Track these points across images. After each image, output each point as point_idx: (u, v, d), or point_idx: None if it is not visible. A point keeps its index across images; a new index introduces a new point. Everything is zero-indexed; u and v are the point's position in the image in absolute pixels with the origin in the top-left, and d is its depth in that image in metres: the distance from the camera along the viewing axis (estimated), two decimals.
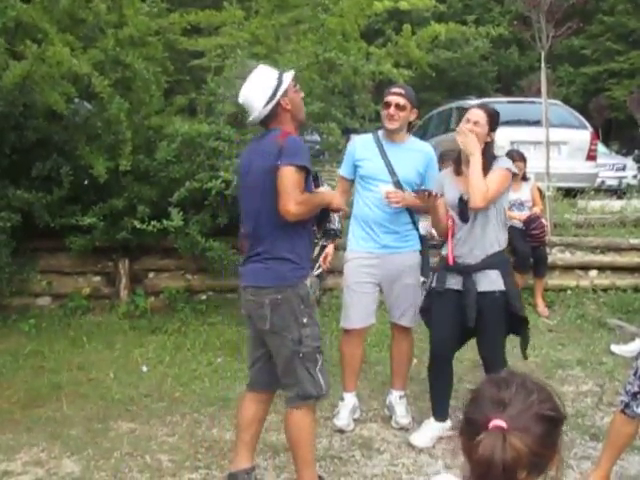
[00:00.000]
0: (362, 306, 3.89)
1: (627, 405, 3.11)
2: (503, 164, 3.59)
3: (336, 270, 4.09)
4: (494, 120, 3.56)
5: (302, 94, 3.08)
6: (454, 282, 3.59)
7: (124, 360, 5.03)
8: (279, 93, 2.91)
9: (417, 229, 3.98)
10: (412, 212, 3.90)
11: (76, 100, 5.87)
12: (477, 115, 3.53)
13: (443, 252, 3.69)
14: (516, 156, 6.44)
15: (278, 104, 2.92)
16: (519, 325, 3.64)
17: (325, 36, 6.51)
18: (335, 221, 3.13)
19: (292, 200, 2.75)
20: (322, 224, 3.05)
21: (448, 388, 3.76)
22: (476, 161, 3.41)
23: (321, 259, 3.98)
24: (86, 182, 5.69)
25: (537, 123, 7.85)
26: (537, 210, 6.36)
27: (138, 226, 5.39)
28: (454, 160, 3.74)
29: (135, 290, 6.11)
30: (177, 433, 3.86)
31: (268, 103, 2.91)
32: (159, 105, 5.97)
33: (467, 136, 3.45)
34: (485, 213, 3.53)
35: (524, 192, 6.39)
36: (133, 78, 5.66)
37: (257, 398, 3.16)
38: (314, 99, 6.44)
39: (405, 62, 7.27)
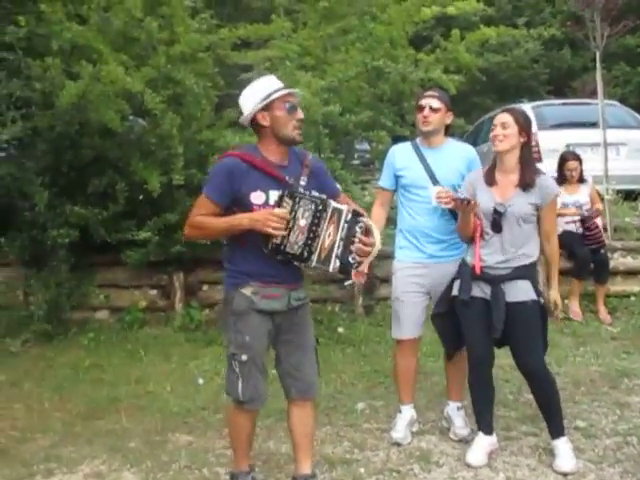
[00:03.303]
0: (412, 316, 3.82)
1: None
2: (551, 189, 3.53)
3: (389, 279, 4.07)
4: (524, 121, 3.49)
5: (300, 115, 3.02)
6: (479, 290, 3.49)
7: (180, 372, 5.09)
8: (259, 106, 2.95)
9: None
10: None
11: (130, 117, 5.99)
12: (503, 117, 3.50)
13: (468, 259, 3.58)
14: (570, 156, 6.30)
15: (254, 117, 2.98)
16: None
17: (373, 45, 6.51)
18: (291, 242, 2.85)
19: (187, 221, 3.03)
20: (266, 242, 2.90)
21: (491, 400, 3.66)
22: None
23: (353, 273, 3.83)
24: (140, 197, 5.80)
25: (593, 125, 7.64)
26: (599, 207, 6.21)
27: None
28: (487, 169, 3.62)
29: (190, 303, 6.17)
30: None
31: (249, 112, 2.98)
32: (210, 119, 6.04)
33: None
34: (525, 227, 3.47)
35: (582, 194, 6.23)
36: (184, 94, 5.74)
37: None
38: (363, 108, 6.43)
39: (454, 67, 7.20)
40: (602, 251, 6.14)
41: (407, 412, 3.92)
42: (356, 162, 10.05)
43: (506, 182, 3.51)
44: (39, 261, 5.96)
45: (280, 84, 3.05)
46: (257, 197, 2.91)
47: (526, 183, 3.46)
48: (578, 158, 6.26)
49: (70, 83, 5.13)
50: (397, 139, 6.84)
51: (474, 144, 9.22)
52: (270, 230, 2.82)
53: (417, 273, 3.82)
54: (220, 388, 4.71)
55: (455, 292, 3.59)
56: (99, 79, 5.20)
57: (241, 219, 2.88)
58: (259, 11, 8.01)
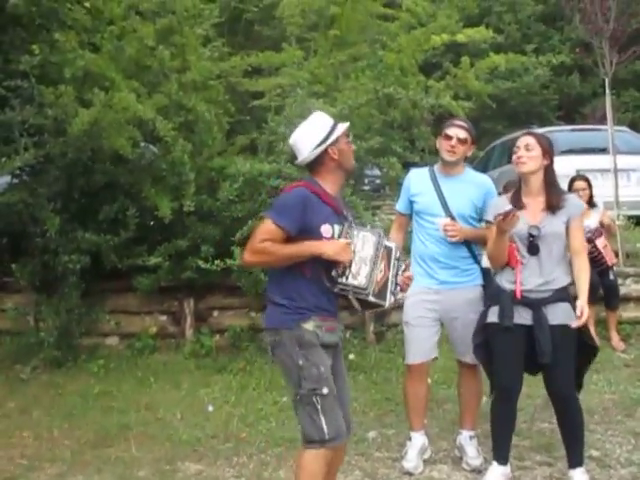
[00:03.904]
0: (421, 340, 3.80)
1: None
2: (577, 206, 3.55)
3: (400, 305, 4.04)
4: (546, 143, 3.52)
5: (354, 147, 3.11)
6: (518, 316, 3.43)
7: (190, 400, 5.05)
8: (328, 142, 2.95)
9: (478, 262, 3.85)
10: (471, 245, 3.80)
11: (142, 144, 6.05)
12: (526, 139, 3.50)
13: (504, 285, 3.51)
14: (577, 178, 6.27)
15: (325, 152, 2.96)
16: (589, 356, 3.53)
17: (383, 72, 6.56)
18: (353, 274, 2.84)
19: (249, 247, 2.89)
20: (328, 273, 2.89)
21: (511, 432, 3.59)
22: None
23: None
24: (151, 223, 5.82)
25: (603, 150, 7.63)
26: (606, 221, 6.14)
27: (202, 265, 5.47)
28: (513, 193, 3.60)
29: (200, 329, 6.15)
30: (244, 475, 3.82)
31: (315, 149, 2.95)
32: (221, 146, 6.08)
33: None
34: (560, 248, 3.45)
35: (593, 219, 6.18)
36: (196, 121, 5.79)
37: None
38: (373, 134, 6.46)
39: (464, 94, 7.24)
40: (611, 277, 6.06)
41: (418, 440, 3.87)
42: (366, 188, 10.06)
43: (534, 205, 3.48)
44: (50, 287, 5.96)
45: (331, 119, 3.07)
46: (327, 230, 2.91)
47: (553, 206, 3.45)
48: (588, 181, 6.22)
49: (82, 110, 5.18)
50: (408, 165, 6.87)
51: (484, 170, 9.25)
52: (339, 258, 2.82)
53: (428, 299, 3.80)
54: (229, 416, 4.69)
55: (492, 319, 3.50)
56: (111, 106, 5.25)
57: (310, 246, 2.85)
58: (270, 39, 8.10)
